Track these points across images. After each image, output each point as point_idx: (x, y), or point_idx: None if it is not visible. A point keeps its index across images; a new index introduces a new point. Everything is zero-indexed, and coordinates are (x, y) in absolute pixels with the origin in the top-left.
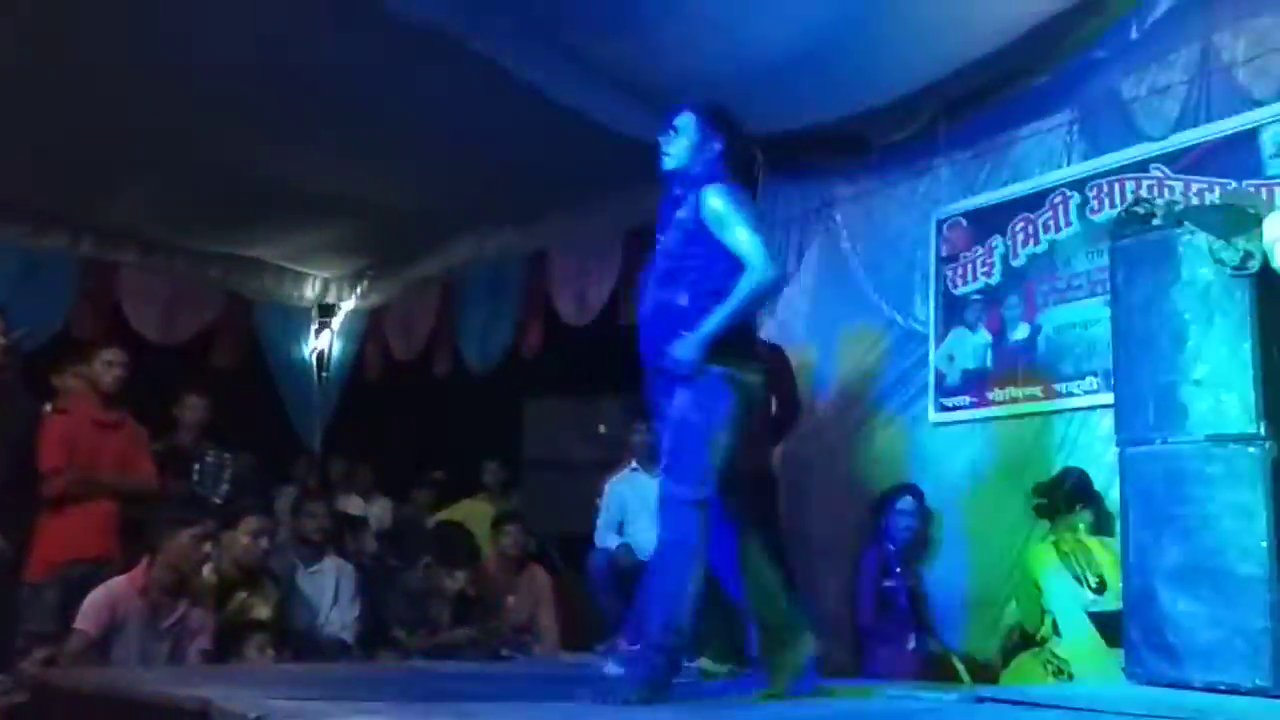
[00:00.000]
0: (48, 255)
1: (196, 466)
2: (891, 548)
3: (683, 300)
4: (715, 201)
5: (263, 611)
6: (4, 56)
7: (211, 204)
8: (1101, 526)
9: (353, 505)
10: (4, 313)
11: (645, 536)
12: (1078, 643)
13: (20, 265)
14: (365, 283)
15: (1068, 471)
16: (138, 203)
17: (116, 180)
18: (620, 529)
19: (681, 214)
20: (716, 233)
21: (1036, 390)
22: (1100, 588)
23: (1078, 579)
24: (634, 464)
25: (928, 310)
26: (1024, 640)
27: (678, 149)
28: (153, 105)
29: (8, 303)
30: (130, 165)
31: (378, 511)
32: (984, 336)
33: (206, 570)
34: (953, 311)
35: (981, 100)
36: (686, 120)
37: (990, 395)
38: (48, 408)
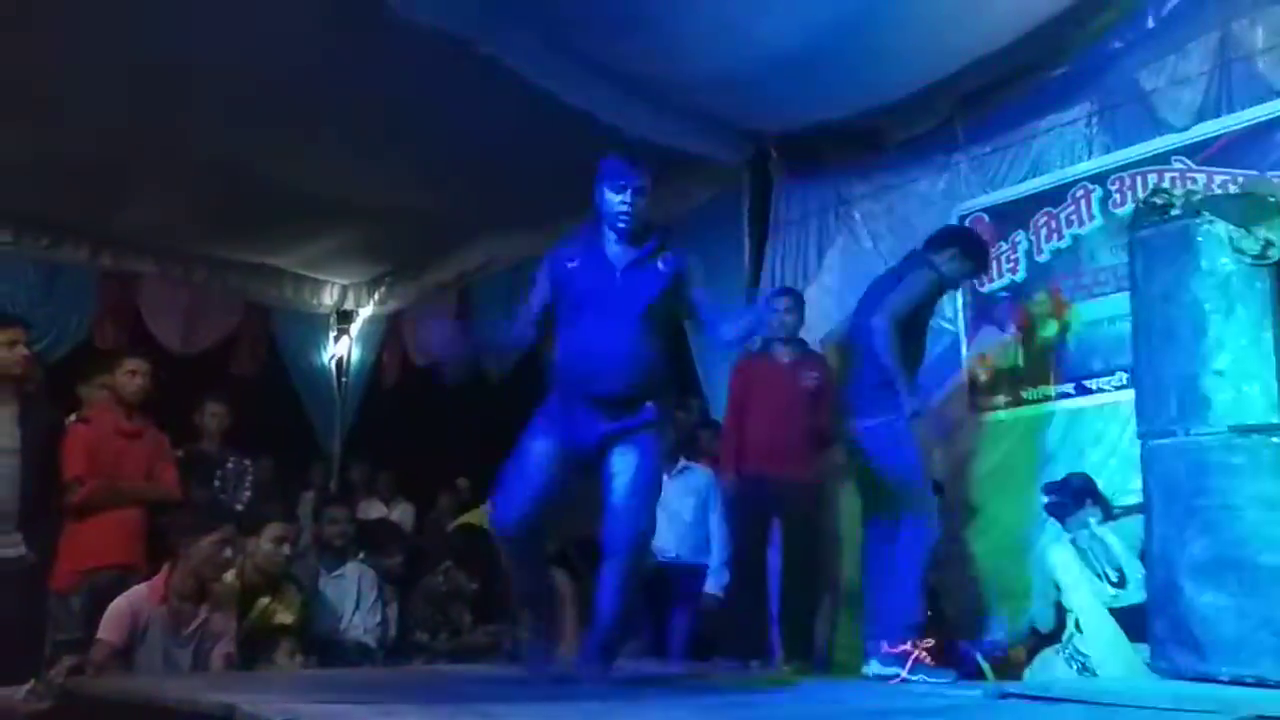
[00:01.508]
0: (69, 267)
1: (218, 473)
2: None
3: (655, 350)
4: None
5: (286, 617)
6: (22, 71)
7: (229, 213)
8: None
9: (374, 510)
10: (27, 325)
11: (664, 536)
12: (1100, 638)
13: (42, 277)
14: (383, 289)
15: (1072, 475)
16: (156, 214)
17: (135, 192)
18: None
19: (662, 267)
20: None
21: (1068, 387)
22: (1120, 582)
23: (1098, 575)
24: None
25: (955, 308)
26: (1047, 636)
27: (642, 206)
28: (170, 117)
29: (30, 314)
30: (149, 177)
31: (398, 516)
32: (1014, 334)
33: (229, 576)
34: (981, 310)
35: (999, 93)
36: (648, 179)
37: (1023, 394)
38: (71, 418)
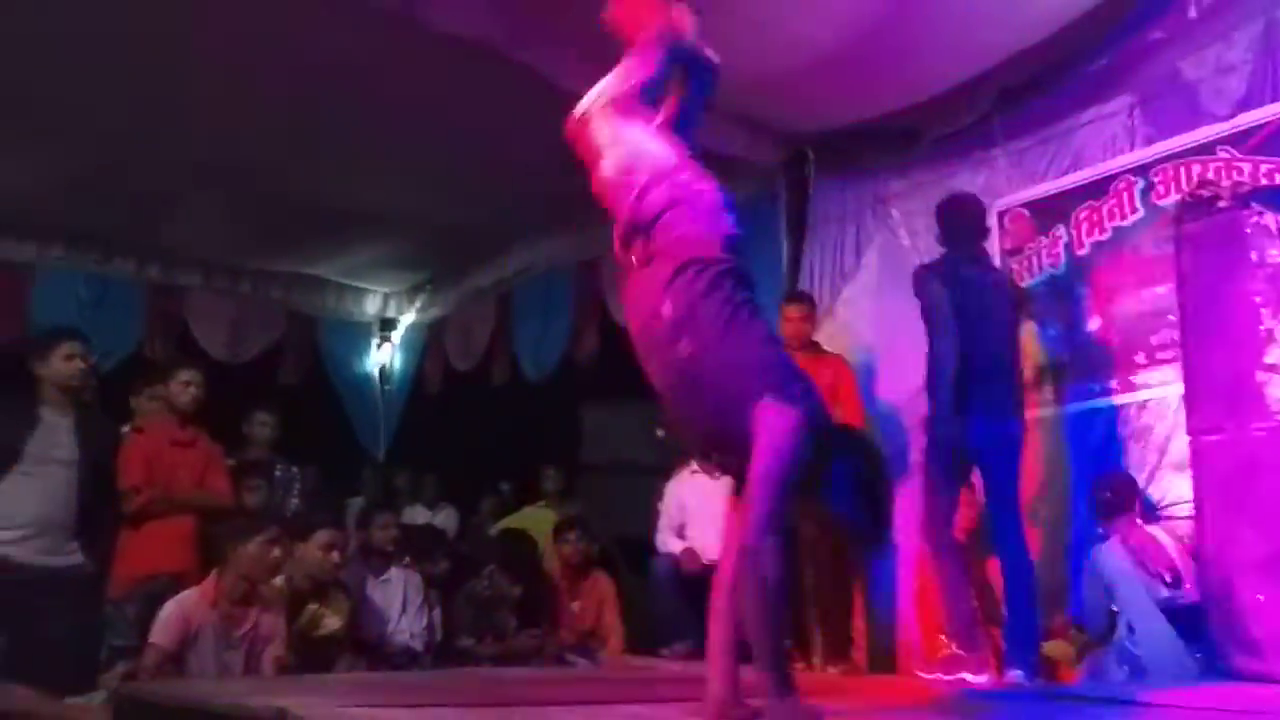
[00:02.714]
0: (117, 281)
1: (267, 481)
2: None
3: None
4: None
5: (334, 623)
6: (69, 90)
7: (273, 225)
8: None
9: (419, 515)
10: (85, 338)
11: (706, 539)
12: (1153, 639)
13: (92, 291)
14: (424, 296)
15: (1116, 473)
16: (202, 227)
17: (181, 206)
18: (681, 531)
19: None
20: None
21: (1113, 382)
22: (1175, 582)
23: (1150, 574)
24: (694, 466)
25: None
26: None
27: None
28: (213, 131)
29: (81, 327)
30: (193, 190)
31: (442, 520)
32: (1055, 329)
33: (278, 580)
34: (1020, 304)
35: (1037, 87)
36: None
37: (1066, 389)
38: (125, 428)
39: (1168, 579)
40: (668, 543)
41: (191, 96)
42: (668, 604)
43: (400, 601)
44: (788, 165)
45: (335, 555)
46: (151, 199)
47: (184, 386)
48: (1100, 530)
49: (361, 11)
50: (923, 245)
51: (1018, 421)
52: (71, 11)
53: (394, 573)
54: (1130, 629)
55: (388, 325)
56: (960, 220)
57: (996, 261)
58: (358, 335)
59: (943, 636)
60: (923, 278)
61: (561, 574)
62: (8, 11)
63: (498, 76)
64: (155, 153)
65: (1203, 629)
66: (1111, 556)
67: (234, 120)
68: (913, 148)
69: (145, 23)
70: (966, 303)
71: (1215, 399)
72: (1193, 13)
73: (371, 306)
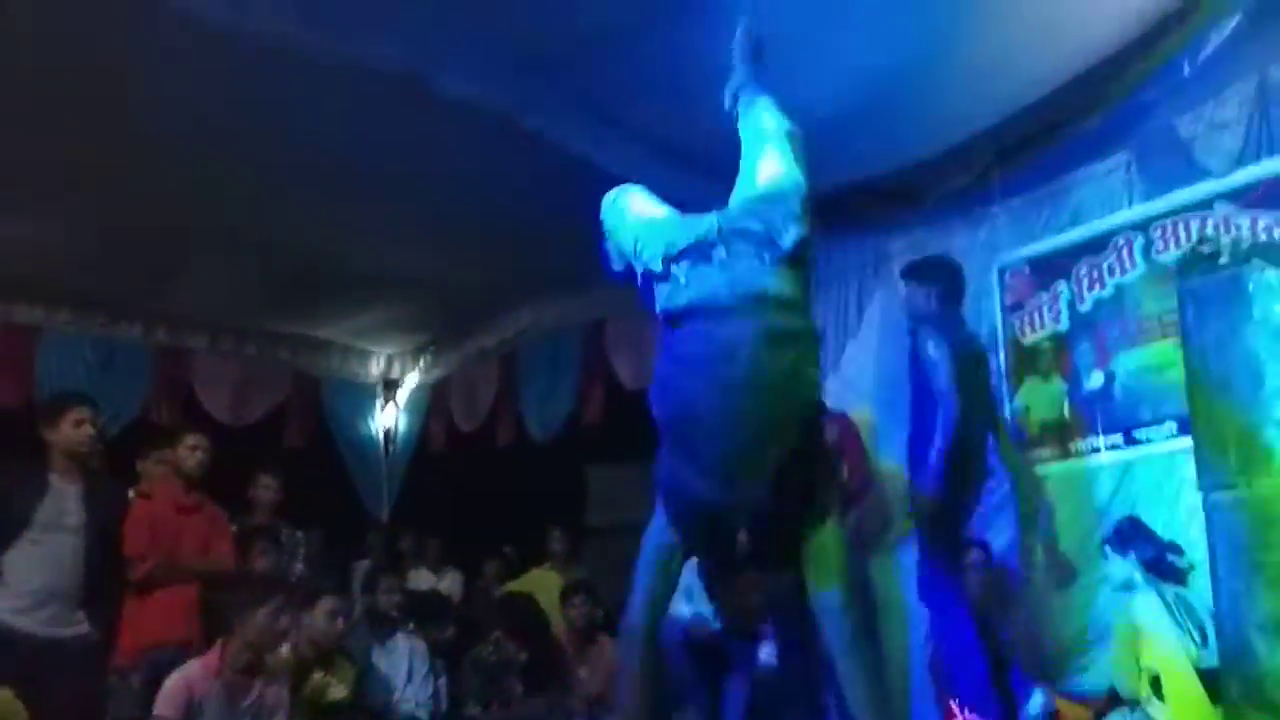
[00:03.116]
0: (123, 344)
1: (275, 546)
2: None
3: None
4: None
5: (339, 692)
6: (75, 155)
7: (278, 287)
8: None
9: (423, 579)
10: (94, 403)
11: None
12: (1183, 701)
13: (98, 354)
14: (428, 357)
15: (1141, 523)
16: (208, 290)
17: (188, 269)
18: (690, 596)
19: None
20: None
21: (1117, 438)
22: (1204, 641)
23: (1184, 631)
24: None
25: (997, 361)
26: (1115, 700)
27: None
28: (218, 196)
29: (88, 391)
30: (200, 254)
31: (447, 585)
32: (1058, 385)
33: (284, 648)
34: (1023, 361)
35: (1035, 146)
36: None
37: (1070, 445)
38: (131, 493)
39: (1197, 637)
40: (677, 608)
41: (198, 162)
42: (676, 671)
43: (406, 669)
44: None
45: (340, 622)
46: (158, 262)
47: (191, 451)
48: (1125, 582)
49: (369, 77)
50: None
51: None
52: (78, 78)
53: (399, 639)
54: (1155, 690)
55: (392, 386)
56: (955, 282)
57: (998, 318)
58: (362, 397)
59: (954, 703)
60: (925, 336)
61: (568, 639)
62: (17, 77)
63: (502, 139)
64: (162, 217)
65: (1222, 690)
66: (1145, 604)
67: (240, 185)
68: (913, 205)
69: (150, 89)
70: (962, 368)
71: (1225, 456)
72: (1186, 71)
73: (376, 368)
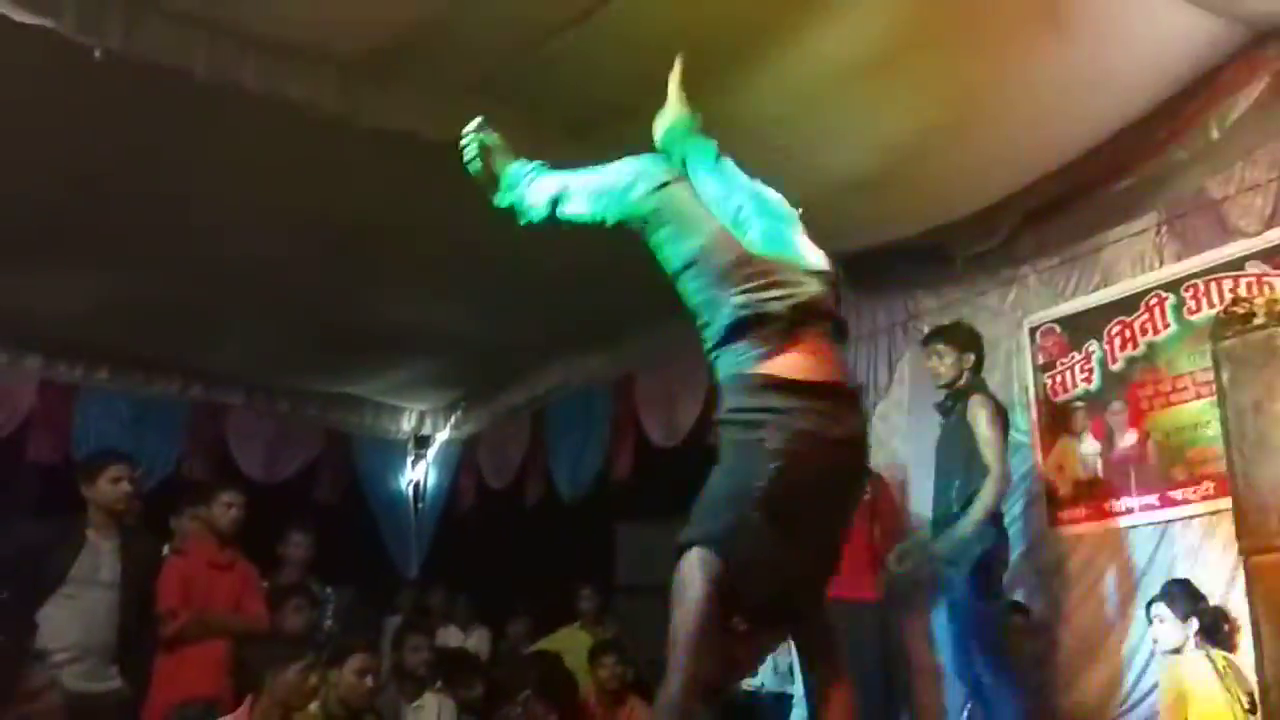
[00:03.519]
0: (159, 401)
1: (309, 603)
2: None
3: None
4: None
5: None
6: (113, 217)
7: (312, 346)
8: (1217, 639)
9: (451, 637)
10: (131, 460)
11: None
12: None
13: (134, 411)
14: (458, 414)
15: (1187, 583)
16: (241, 348)
17: (221, 328)
18: None
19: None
20: None
21: (1152, 499)
22: (1252, 708)
23: (1231, 696)
24: None
25: (1029, 420)
26: None
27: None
28: (250, 255)
29: (122, 445)
30: (232, 313)
31: (475, 642)
32: (1091, 445)
33: (313, 706)
34: (1056, 420)
35: (1065, 207)
36: None
37: (1105, 506)
38: (166, 549)
39: (1245, 703)
40: None
41: (231, 222)
42: None
43: None
44: None
45: (369, 680)
46: (193, 321)
47: (226, 508)
48: (1165, 646)
49: (407, 147)
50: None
51: None
52: (113, 138)
53: (428, 698)
54: None
55: (423, 443)
56: (981, 349)
57: (1030, 377)
58: (393, 453)
59: None
60: (978, 406)
61: (598, 699)
62: (52, 138)
63: None
64: (197, 276)
65: None
66: (1194, 669)
67: (274, 244)
68: (943, 266)
69: (184, 152)
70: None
71: (1265, 517)
72: (1215, 134)
73: (407, 424)
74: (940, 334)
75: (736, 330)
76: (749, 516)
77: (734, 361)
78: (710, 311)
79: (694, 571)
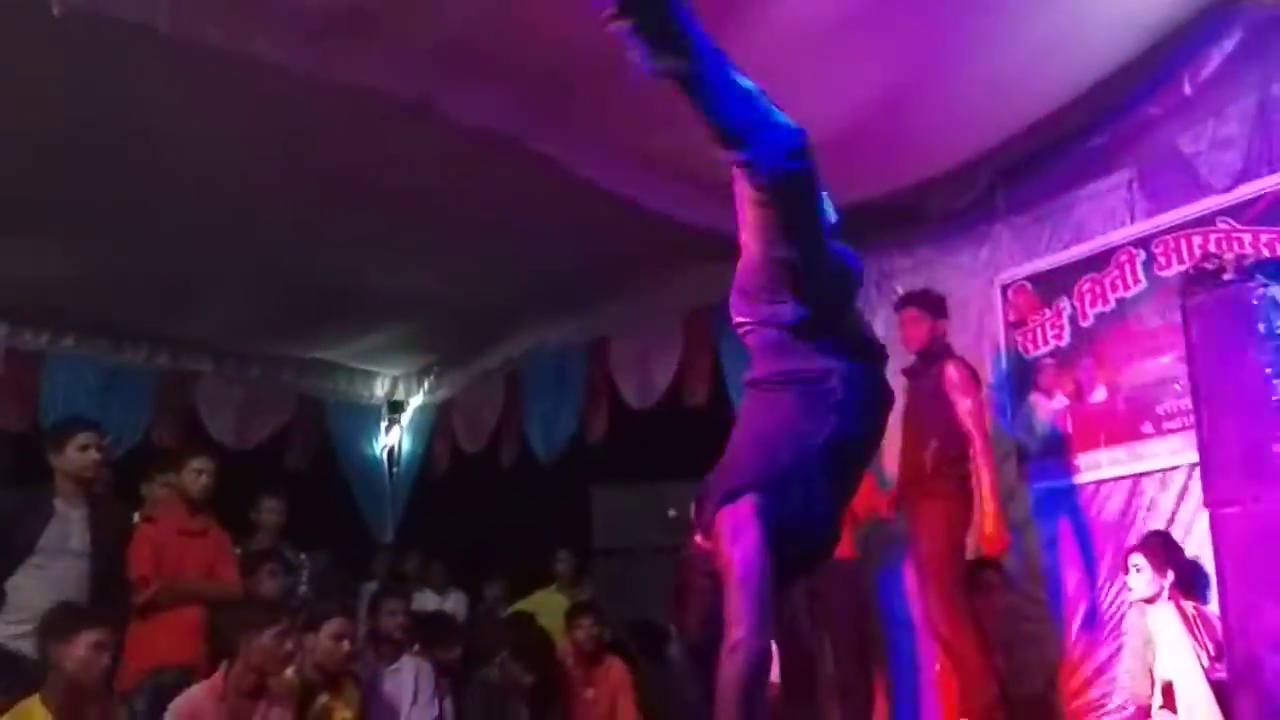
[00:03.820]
0: (127, 368)
1: (278, 569)
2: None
3: None
4: None
5: (345, 715)
6: (79, 183)
7: (282, 311)
8: (1190, 589)
9: (428, 601)
10: (99, 428)
11: None
12: (1193, 712)
13: (101, 379)
14: (432, 378)
15: (1161, 534)
16: (211, 314)
17: (190, 294)
18: None
19: None
20: None
21: (1120, 453)
22: (1217, 654)
23: (1200, 644)
24: None
25: (1000, 375)
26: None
27: None
28: (220, 222)
29: (92, 416)
30: (202, 279)
31: (451, 606)
32: (1061, 400)
33: (289, 671)
34: (1026, 377)
35: (1037, 164)
36: None
37: (1075, 461)
38: (136, 517)
39: (1212, 651)
40: None
41: (201, 187)
42: (686, 691)
43: (411, 691)
44: None
45: (346, 645)
46: (163, 287)
47: (196, 475)
48: (1138, 595)
49: (375, 102)
50: None
51: None
52: (79, 105)
53: (404, 661)
54: (1168, 699)
55: (396, 408)
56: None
57: (1001, 335)
58: (366, 418)
59: None
60: (959, 371)
61: (575, 660)
62: (12, 102)
63: (504, 160)
64: (166, 242)
65: (1233, 704)
66: (1162, 618)
67: (244, 209)
68: (917, 224)
69: (153, 116)
70: None
71: (1232, 471)
72: (1187, 89)
73: (380, 389)
74: (912, 299)
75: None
76: (808, 466)
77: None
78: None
79: (749, 518)
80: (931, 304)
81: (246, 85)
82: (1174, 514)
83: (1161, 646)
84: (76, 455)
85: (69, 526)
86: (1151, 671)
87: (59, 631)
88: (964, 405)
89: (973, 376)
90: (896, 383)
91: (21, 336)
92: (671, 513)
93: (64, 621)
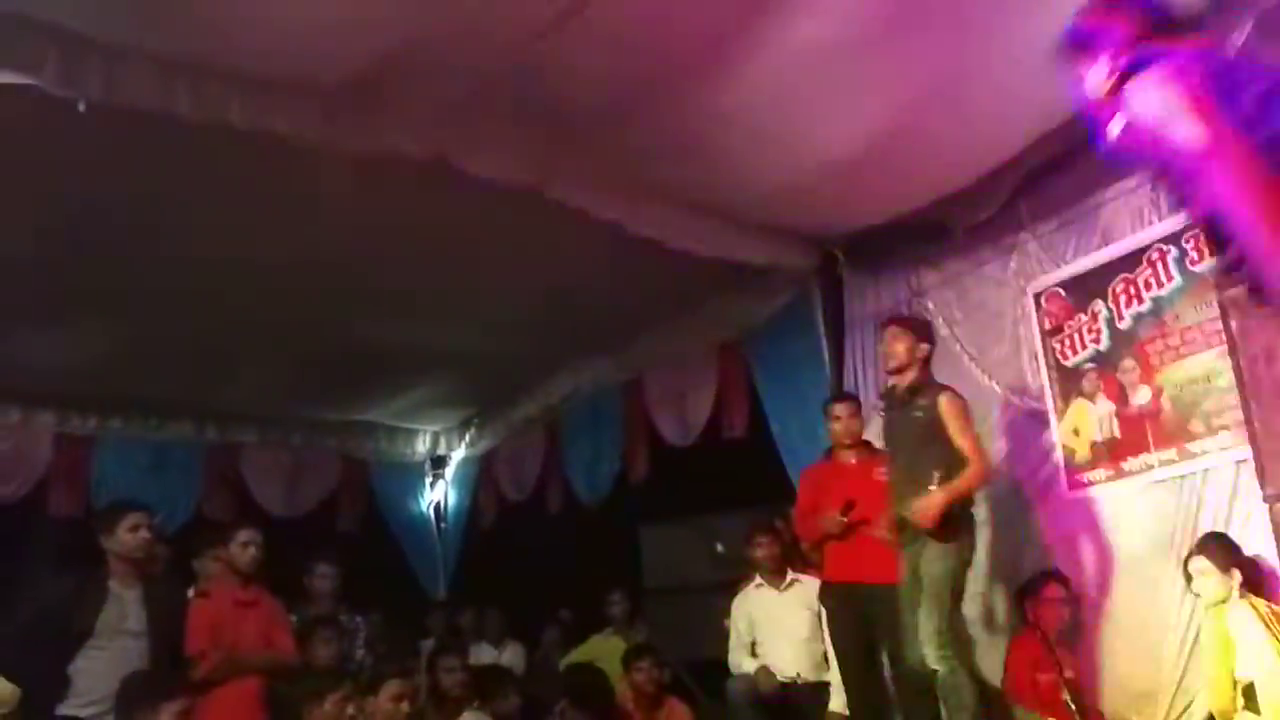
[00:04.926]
0: (175, 444)
1: (337, 634)
2: (1041, 638)
3: None
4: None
5: None
6: (116, 269)
7: (322, 376)
8: (1257, 588)
9: (484, 654)
10: (149, 509)
11: (780, 655)
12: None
13: (150, 456)
14: (472, 431)
15: (1222, 536)
16: (254, 384)
17: (234, 365)
18: (753, 649)
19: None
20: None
21: (1170, 453)
22: None
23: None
24: (758, 580)
25: (1041, 384)
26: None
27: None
28: (255, 291)
29: (142, 494)
30: (243, 349)
31: (509, 658)
32: (1105, 405)
33: None
34: (1068, 384)
35: (1060, 170)
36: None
37: (1124, 465)
38: (190, 593)
39: None
40: (741, 663)
41: (231, 258)
42: None
43: None
44: (820, 268)
45: (405, 706)
46: (203, 361)
47: (243, 548)
48: (1208, 599)
49: (403, 167)
50: (960, 333)
51: None
52: (105, 186)
53: (466, 717)
54: (1250, 702)
55: (439, 463)
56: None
57: (1038, 344)
58: (411, 475)
59: None
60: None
61: (635, 704)
62: (43, 193)
63: (529, 209)
64: (203, 316)
65: None
66: (1240, 618)
67: (275, 278)
68: (944, 239)
69: (180, 191)
70: None
71: None
72: None
73: (422, 446)
74: (896, 320)
75: None
76: None
77: None
78: None
79: None
80: (913, 324)
81: (267, 157)
82: (1230, 512)
83: (1240, 647)
84: (128, 536)
85: (125, 607)
86: (1232, 673)
87: (141, 703)
88: (960, 432)
89: (965, 407)
90: None
91: (70, 422)
92: (719, 547)
93: (146, 692)
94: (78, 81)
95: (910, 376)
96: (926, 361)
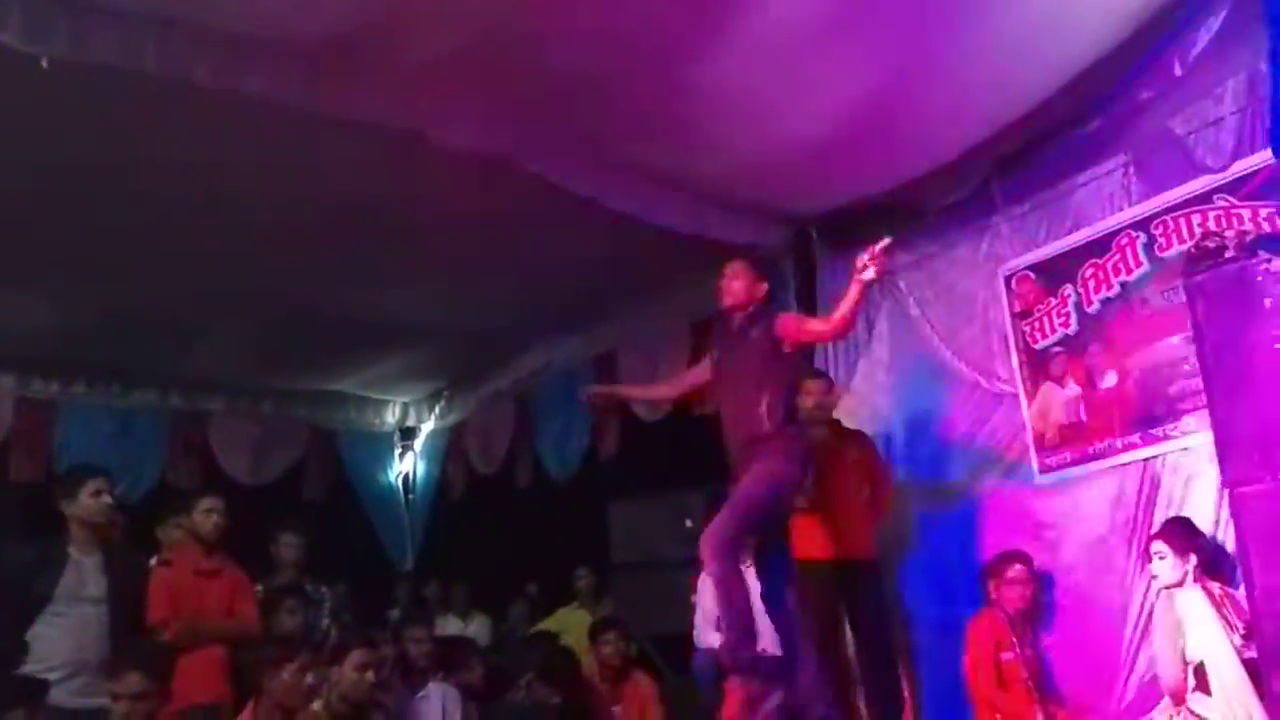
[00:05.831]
0: (140, 411)
1: (302, 603)
2: (1004, 618)
3: None
4: None
5: None
6: (85, 227)
7: (291, 345)
8: (1216, 571)
9: (450, 625)
10: (109, 474)
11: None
12: (1229, 689)
13: (114, 424)
14: (442, 403)
15: (1183, 520)
16: (221, 352)
17: (201, 333)
18: (719, 624)
19: None
20: None
21: (1134, 437)
22: (1248, 634)
23: (1229, 624)
24: None
25: (1010, 369)
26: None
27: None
28: (224, 258)
29: (106, 460)
30: (209, 316)
31: (475, 630)
32: (1073, 389)
33: (315, 705)
34: (1037, 367)
35: (1032, 153)
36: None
37: (1090, 448)
38: (152, 561)
39: (1242, 630)
40: (706, 638)
41: (200, 224)
42: (712, 701)
43: (440, 718)
44: (793, 246)
45: (370, 675)
46: (171, 329)
47: (206, 515)
48: (1163, 581)
49: (374, 135)
50: (931, 314)
51: None
52: (76, 151)
53: (431, 688)
54: (1200, 681)
55: (409, 434)
56: None
57: (1008, 326)
58: (380, 446)
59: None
60: None
61: (601, 677)
62: (7, 152)
63: (502, 182)
64: (171, 282)
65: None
66: (1190, 601)
67: (245, 245)
68: (916, 220)
69: (146, 152)
70: None
71: (1248, 450)
72: (1178, 71)
73: (392, 416)
74: (739, 259)
75: None
76: None
77: None
78: None
79: None
80: (755, 265)
81: (236, 118)
82: (1192, 496)
83: (1191, 629)
84: (90, 501)
85: (84, 574)
86: (1183, 655)
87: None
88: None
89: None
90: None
91: (32, 386)
92: (688, 523)
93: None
94: (42, 38)
95: (749, 311)
96: (764, 302)
